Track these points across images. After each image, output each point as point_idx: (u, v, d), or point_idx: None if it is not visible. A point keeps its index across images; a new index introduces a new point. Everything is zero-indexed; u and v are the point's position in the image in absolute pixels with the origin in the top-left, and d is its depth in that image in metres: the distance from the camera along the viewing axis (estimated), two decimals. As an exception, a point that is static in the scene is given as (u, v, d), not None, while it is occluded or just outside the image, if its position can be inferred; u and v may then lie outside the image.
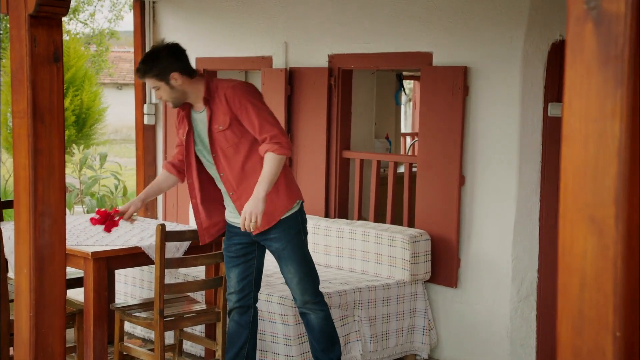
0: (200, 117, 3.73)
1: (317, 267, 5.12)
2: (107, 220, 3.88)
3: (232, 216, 3.88)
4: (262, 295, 4.54)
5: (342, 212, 5.53)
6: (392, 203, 5.25)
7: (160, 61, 3.63)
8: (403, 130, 9.45)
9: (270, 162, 3.50)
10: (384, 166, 6.05)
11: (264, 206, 3.46)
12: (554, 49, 4.40)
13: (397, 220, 5.31)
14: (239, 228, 3.67)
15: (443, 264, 4.83)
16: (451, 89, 4.70)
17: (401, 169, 5.93)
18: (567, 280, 1.35)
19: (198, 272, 4.89)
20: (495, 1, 4.56)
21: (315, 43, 5.56)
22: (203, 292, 4.54)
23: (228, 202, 3.84)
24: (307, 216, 5.38)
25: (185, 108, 3.77)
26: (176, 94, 3.69)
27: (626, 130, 1.27)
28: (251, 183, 3.61)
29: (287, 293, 4.42)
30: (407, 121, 9.64)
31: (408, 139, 8.90)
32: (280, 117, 5.66)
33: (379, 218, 5.39)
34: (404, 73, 8.04)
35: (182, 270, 4.92)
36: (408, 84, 10.84)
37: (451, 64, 4.75)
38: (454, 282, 4.80)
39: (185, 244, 4.29)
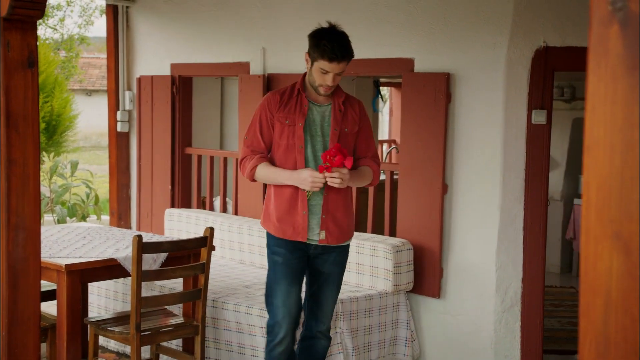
0: (322, 111, 3.65)
1: (297, 277, 5.02)
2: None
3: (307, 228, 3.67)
4: (241, 307, 4.42)
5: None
6: (373, 212, 5.16)
7: (350, 43, 3.60)
8: (380, 137, 9.38)
9: (367, 173, 3.70)
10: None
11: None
12: (537, 56, 4.34)
13: (378, 230, 5.22)
14: (308, 244, 3.67)
15: (426, 273, 4.74)
16: (433, 95, 4.63)
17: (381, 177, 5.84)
18: (590, 301, 1.26)
19: (174, 284, 4.76)
20: (478, 7, 4.50)
21: (294, 49, 5.46)
22: (180, 305, 4.41)
23: (309, 206, 3.61)
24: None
25: (300, 93, 3.66)
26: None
27: (656, 140, 1.18)
28: (340, 194, 3.63)
29: (267, 305, 4.30)
30: (384, 128, 9.59)
31: (385, 145, 8.82)
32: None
33: (360, 227, 5.29)
34: (381, 79, 7.98)
35: (158, 282, 4.79)
36: (384, 90, 10.77)
37: (433, 71, 4.67)
38: (437, 293, 4.72)
39: (163, 256, 4.15)
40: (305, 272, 3.76)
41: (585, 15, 4.30)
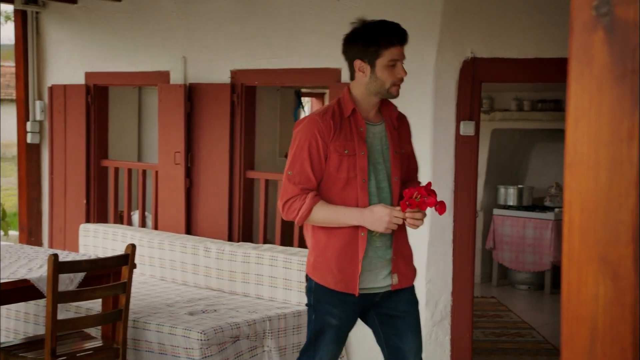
0: (377, 131, 3.00)
1: (221, 294, 4.85)
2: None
3: (370, 277, 2.99)
4: (164, 327, 4.21)
5: (247, 236, 5.27)
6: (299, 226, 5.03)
7: None
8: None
9: None
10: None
11: None
12: (465, 66, 4.32)
13: (304, 243, 5.09)
14: (373, 294, 3.01)
15: (355, 288, 4.64)
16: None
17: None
18: (574, 330, 1.16)
19: (91, 304, 4.50)
20: (405, 17, 4.44)
21: (216, 58, 5.30)
22: (98, 327, 4.16)
23: (375, 250, 2.98)
24: (210, 240, 5.10)
25: (355, 113, 2.95)
26: None
27: (645, 156, 1.10)
28: (404, 227, 3.00)
29: (192, 325, 4.11)
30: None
31: (306, 157, 8.73)
32: (180, 135, 5.36)
33: (286, 241, 5.16)
34: (303, 90, 7.88)
35: (74, 302, 4.52)
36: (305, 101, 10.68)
37: (361, 81, 4.59)
38: (367, 307, 4.62)
39: (80, 275, 3.91)
40: (371, 323, 3.14)
41: (511, 26, 4.31)
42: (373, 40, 2.86)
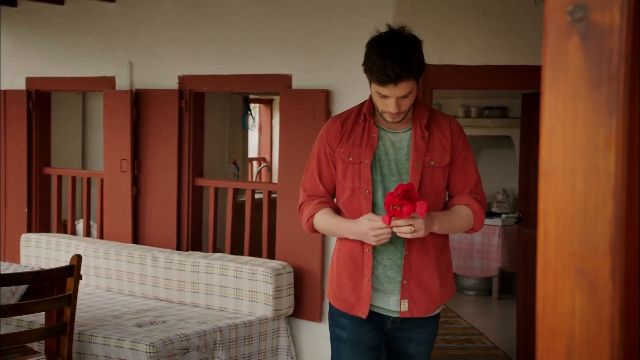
0: (398, 139, 2.72)
1: (170, 304, 4.74)
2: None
3: (380, 297, 2.73)
4: (111, 340, 4.09)
5: (196, 245, 5.17)
6: (250, 234, 4.96)
7: (418, 53, 2.62)
8: (250, 155, 9.18)
9: (463, 216, 2.72)
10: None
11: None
12: (417, 73, 4.31)
13: (255, 252, 5.02)
14: (384, 316, 2.75)
15: (307, 297, 4.59)
16: (312, 112, 4.50)
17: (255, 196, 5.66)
18: (549, 344, 1.12)
19: (34, 317, 4.35)
20: (356, 24, 4.42)
21: (164, 63, 5.19)
22: (42, 341, 4.01)
23: (384, 269, 2.71)
24: (158, 249, 4.99)
25: (369, 123, 2.72)
26: (414, 102, 2.67)
27: (622, 165, 1.07)
28: (428, 247, 2.70)
29: (140, 337, 4.00)
30: (254, 145, 9.42)
31: (255, 163, 8.64)
32: (126, 142, 5.23)
33: (236, 250, 5.07)
34: (251, 96, 7.81)
35: (16, 316, 4.35)
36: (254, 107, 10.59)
37: (312, 87, 4.55)
38: (318, 316, 4.57)
39: (22, 287, 3.77)
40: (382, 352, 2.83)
41: (461, 33, 4.32)
42: (365, 65, 2.60)
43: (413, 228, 2.48)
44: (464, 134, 2.77)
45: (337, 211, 2.75)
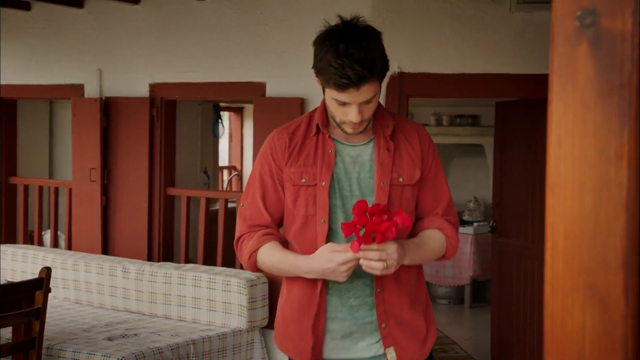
0: (357, 153, 2.24)
1: (141, 316, 4.63)
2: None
3: (343, 345, 2.25)
4: (81, 354, 3.98)
5: (167, 255, 5.07)
6: (223, 244, 4.87)
7: (380, 47, 2.12)
8: (220, 164, 9.10)
9: (435, 241, 2.26)
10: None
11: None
12: (392, 82, 4.28)
13: (229, 262, 4.94)
14: None
15: (281, 307, 4.51)
16: (287, 120, 4.39)
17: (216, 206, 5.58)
18: (558, 365, 1.08)
19: (1, 332, 4.21)
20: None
21: (134, 70, 5.10)
22: (9, 357, 3.89)
23: (350, 310, 2.23)
24: (129, 260, 4.88)
25: (324, 136, 2.23)
26: (376, 108, 2.20)
27: (635, 177, 1.03)
28: (400, 278, 2.23)
29: (111, 351, 3.90)
30: (224, 154, 9.34)
31: (225, 172, 8.55)
32: (96, 151, 5.13)
33: (209, 260, 4.99)
34: (222, 104, 7.73)
35: (-18, 330, 4.22)
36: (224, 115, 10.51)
37: (286, 95, 4.49)
38: (294, 327, 4.50)
39: (-12, 302, 3.64)
40: None
41: (437, 41, 4.30)
42: (317, 65, 2.10)
43: (385, 264, 2.01)
44: (434, 145, 2.32)
45: (285, 244, 2.25)
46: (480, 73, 4.27)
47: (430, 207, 2.29)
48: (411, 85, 4.29)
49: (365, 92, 2.05)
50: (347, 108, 2.09)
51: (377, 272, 2.04)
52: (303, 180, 2.19)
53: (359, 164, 2.22)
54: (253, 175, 2.29)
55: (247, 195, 2.29)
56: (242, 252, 2.26)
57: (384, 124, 2.24)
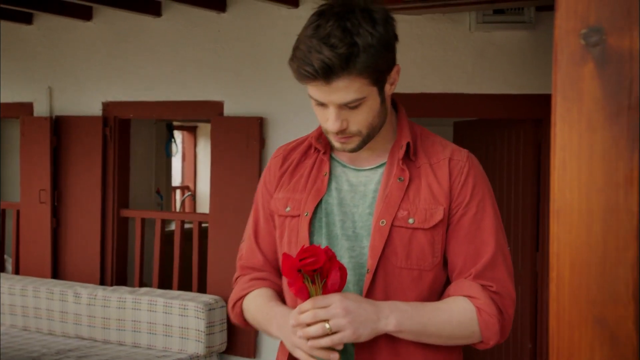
0: (363, 180, 1.70)
1: (94, 343, 4.47)
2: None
3: None
4: (31, 385, 3.80)
5: (121, 279, 4.92)
6: (179, 267, 4.75)
7: (379, 35, 1.54)
8: (173, 184, 8.95)
9: (460, 313, 1.59)
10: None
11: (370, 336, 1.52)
12: (353, 101, 4.23)
13: (185, 286, 4.81)
14: None
15: (240, 332, 4.40)
16: (246, 140, 4.35)
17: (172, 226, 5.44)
18: (565, 403, 1.02)
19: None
20: (291, 48, 4.32)
21: (86, 89, 4.96)
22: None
23: None
24: (80, 284, 4.71)
25: (319, 155, 1.76)
26: (379, 120, 1.63)
27: (645, 203, 0.98)
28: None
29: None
30: (177, 174, 9.20)
31: (178, 192, 8.40)
32: (45, 172, 4.96)
33: (165, 284, 4.85)
34: (175, 123, 7.61)
35: None
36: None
37: (245, 114, 4.41)
38: (252, 352, 4.39)
39: None
40: None
41: (398, 60, 4.26)
42: (293, 52, 1.59)
43: (327, 326, 1.46)
44: (477, 177, 1.67)
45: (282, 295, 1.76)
46: (440, 93, 4.25)
47: (460, 266, 1.63)
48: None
49: (340, 90, 1.52)
50: (326, 111, 1.59)
51: (324, 343, 1.46)
52: (287, 209, 1.71)
53: (360, 195, 1.67)
54: (253, 206, 1.85)
55: (246, 229, 1.86)
56: (229, 299, 1.83)
57: (398, 143, 1.68)
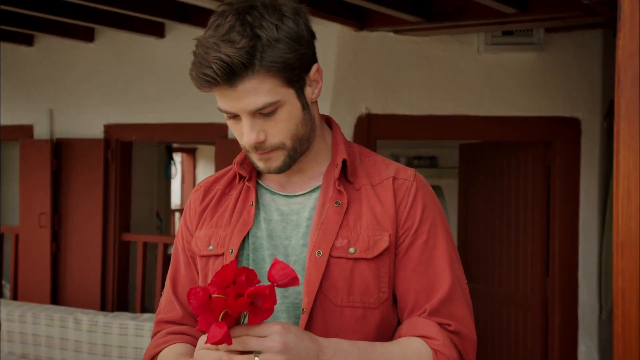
0: (293, 208, 1.49)
1: (94, 371, 4.36)
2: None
3: None
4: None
5: (122, 304, 4.82)
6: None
7: (288, 28, 1.37)
8: (173, 207, 8.86)
9: (414, 356, 1.37)
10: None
11: None
12: (359, 123, 4.18)
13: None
14: None
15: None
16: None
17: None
18: None
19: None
20: (296, 71, 4.27)
21: (88, 111, 4.89)
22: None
23: None
24: (81, 310, 4.62)
25: (240, 180, 1.55)
26: (304, 130, 1.43)
27: None
28: None
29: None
30: (176, 196, 9.13)
31: (177, 215, 8.32)
32: (45, 195, 4.88)
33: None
34: (174, 145, 7.55)
35: None
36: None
37: (249, 137, 4.34)
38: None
39: None
40: None
41: (405, 82, 4.22)
42: (191, 67, 1.40)
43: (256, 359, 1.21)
44: (426, 198, 1.46)
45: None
46: (448, 115, 4.20)
47: (412, 302, 1.42)
48: (379, 127, 4.20)
49: (249, 94, 1.33)
50: (240, 124, 1.39)
51: None
52: (210, 248, 1.48)
53: (293, 225, 1.46)
54: (173, 249, 1.61)
55: (166, 279, 1.59)
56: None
57: (333, 163, 1.48)
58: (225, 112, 1.39)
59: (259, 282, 1.22)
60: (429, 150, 7.41)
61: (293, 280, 1.23)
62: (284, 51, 1.34)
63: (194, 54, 1.37)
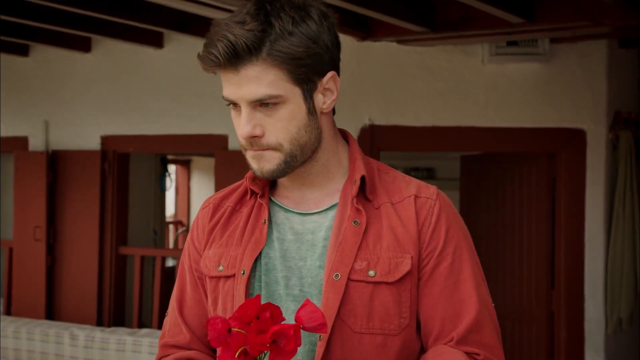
0: (309, 227, 1.38)
1: (91, 388, 4.27)
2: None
3: None
4: None
5: (119, 319, 4.73)
6: (159, 303, 4.57)
7: (306, 28, 1.29)
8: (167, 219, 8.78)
9: None
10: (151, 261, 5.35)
11: None
12: (363, 134, 4.12)
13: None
14: None
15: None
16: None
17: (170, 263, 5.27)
18: None
19: None
20: (297, 82, 4.21)
21: (84, 123, 4.82)
22: None
23: None
24: (77, 326, 4.52)
25: (252, 196, 1.44)
26: (307, 137, 1.33)
27: None
28: None
29: None
30: (170, 208, 9.05)
31: (171, 227, 8.23)
32: (40, 208, 4.79)
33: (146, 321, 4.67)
34: (169, 156, 7.47)
35: None
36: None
37: (250, 149, 4.27)
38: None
39: None
40: None
41: (408, 94, 4.16)
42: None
43: None
44: (450, 218, 1.38)
45: None
46: (452, 126, 4.14)
47: (438, 329, 1.33)
48: (382, 138, 4.14)
49: (250, 81, 1.26)
50: (239, 116, 1.33)
51: None
52: (220, 269, 1.39)
53: (308, 245, 1.35)
54: (179, 269, 1.53)
55: (170, 299, 1.52)
56: None
57: (351, 180, 1.38)
58: (227, 99, 1.33)
59: (283, 319, 1.14)
60: (427, 162, 7.36)
61: (321, 327, 1.14)
62: (294, 44, 1.27)
63: (206, 35, 1.31)
